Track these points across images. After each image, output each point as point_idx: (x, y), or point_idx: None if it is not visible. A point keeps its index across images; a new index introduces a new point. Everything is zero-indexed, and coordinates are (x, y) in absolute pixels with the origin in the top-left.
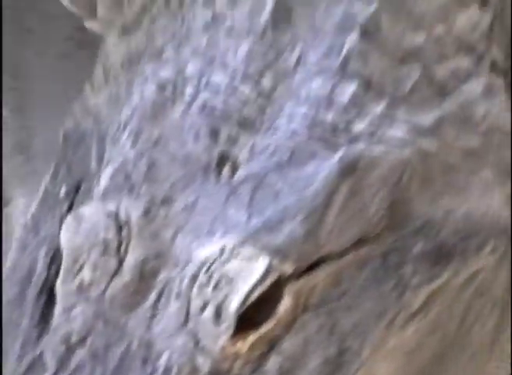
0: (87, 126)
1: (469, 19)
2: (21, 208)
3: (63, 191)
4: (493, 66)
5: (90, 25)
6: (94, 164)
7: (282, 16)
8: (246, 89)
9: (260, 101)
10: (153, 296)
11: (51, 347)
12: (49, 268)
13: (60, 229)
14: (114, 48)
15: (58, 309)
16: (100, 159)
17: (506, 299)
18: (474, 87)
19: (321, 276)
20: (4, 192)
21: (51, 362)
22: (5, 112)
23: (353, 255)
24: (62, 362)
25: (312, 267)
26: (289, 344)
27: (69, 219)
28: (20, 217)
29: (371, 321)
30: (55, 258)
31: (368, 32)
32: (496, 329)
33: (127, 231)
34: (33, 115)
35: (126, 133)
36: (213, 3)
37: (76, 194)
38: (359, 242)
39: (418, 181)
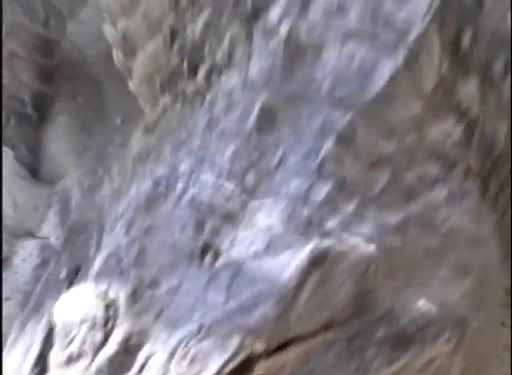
0: (89, 218)
1: (443, 131)
2: (76, 179)
3: (64, 273)
4: (468, 172)
5: (130, 86)
6: (93, 250)
7: (267, 121)
8: (230, 186)
9: (243, 197)
10: (135, 369)
11: None
12: (45, 342)
13: None
14: (135, 145)
15: None
16: (98, 246)
17: None
18: (440, 192)
19: (290, 355)
20: (60, 166)
21: None
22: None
23: (320, 338)
24: None
25: (282, 347)
26: None
27: (63, 297)
28: (74, 186)
29: None
30: (50, 333)
31: (344, 138)
32: None
33: (114, 309)
34: (100, 102)
35: (121, 223)
36: (213, 108)
37: (75, 277)
38: (327, 326)
39: (383, 274)
